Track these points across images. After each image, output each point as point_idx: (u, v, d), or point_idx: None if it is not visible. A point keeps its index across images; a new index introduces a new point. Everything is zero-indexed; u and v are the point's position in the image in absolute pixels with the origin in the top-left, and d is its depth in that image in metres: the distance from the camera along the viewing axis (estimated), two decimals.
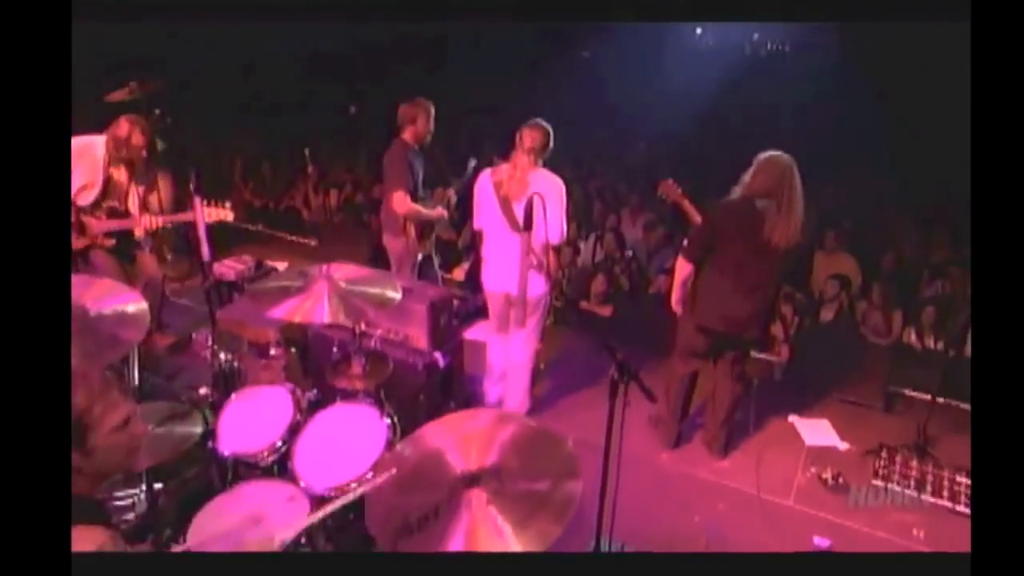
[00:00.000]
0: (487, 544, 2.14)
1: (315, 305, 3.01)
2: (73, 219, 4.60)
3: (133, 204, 4.80)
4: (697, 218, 4.48)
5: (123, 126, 4.63)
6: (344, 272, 3.18)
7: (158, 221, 4.81)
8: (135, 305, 3.03)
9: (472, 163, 5.36)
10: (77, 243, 4.66)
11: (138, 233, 4.89)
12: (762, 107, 8.97)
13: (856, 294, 6.15)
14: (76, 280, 3.06)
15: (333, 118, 9.96)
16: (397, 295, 3.18)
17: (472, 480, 2.25)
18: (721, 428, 4.49)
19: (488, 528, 2.16)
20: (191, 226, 4.09)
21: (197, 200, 3.35)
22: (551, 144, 4.18)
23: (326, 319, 2.97)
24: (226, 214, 4.71)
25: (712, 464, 4.48)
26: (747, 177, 3.96)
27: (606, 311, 5.92)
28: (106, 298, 2.99)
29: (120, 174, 4.73)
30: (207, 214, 4.45)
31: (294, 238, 7.36)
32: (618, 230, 6.53)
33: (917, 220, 7.32)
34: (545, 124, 4.18)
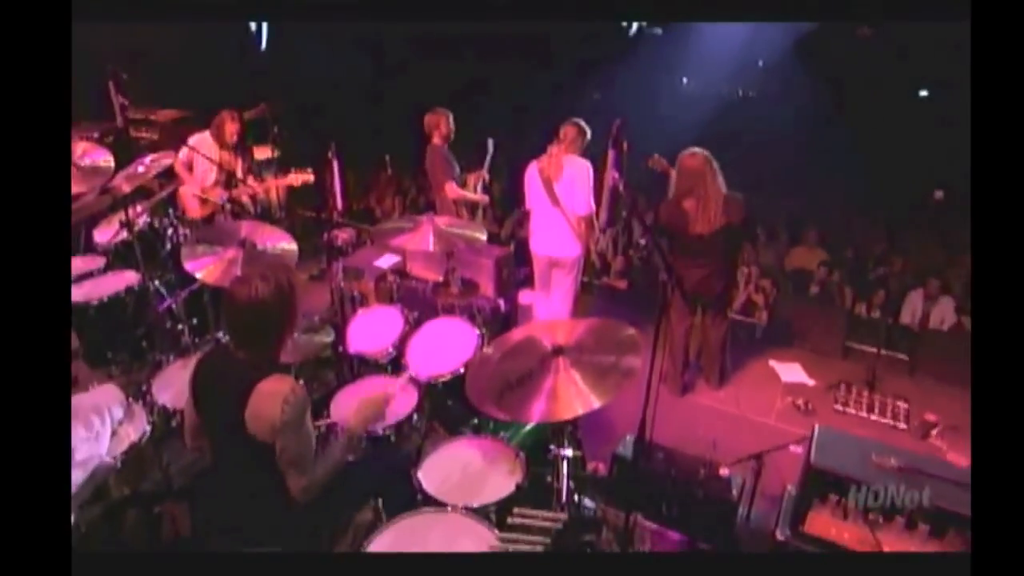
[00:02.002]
0: (567, 395, 2.29)
1: (422, 238, 3.26)
2: (199, 194, 4.91)
3: (242, 175, 5.01)
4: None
5: (221, 117, 4.89)
6: (443, 219, 3.43)
7: (260, 187, 5.06)
8: (287, 244, 3.28)
9: (491, 142, 5.43)
10: (203, 211, 4.95)
11: (245, 199, 5.09)
12: (741, 134, 9.17)
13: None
14: (247, 223, 3.34)
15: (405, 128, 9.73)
16: (483, 236, 3.41)
17: (558, 351, 2.43)
18: (715, 365, 4.66)
19: (568, 385, 2.32)
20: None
21: (335, 163, 3.60)
22: (587, 138, 4.39)
23: (430, 248, 3.21)
24: (308, 177, 4.86)
25: (711, 394, 4.68)
26: (673, 176, 4.06)
27: (622, 284, 6.13)
28: (268, 237, 3.25)
29: (228, 156, 4.96)
30: (295, 179, 4.75)
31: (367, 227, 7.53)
32: (631, 222, 6.73)
33: (868, 221, 7.56)
34: (581, 122, 4.38)
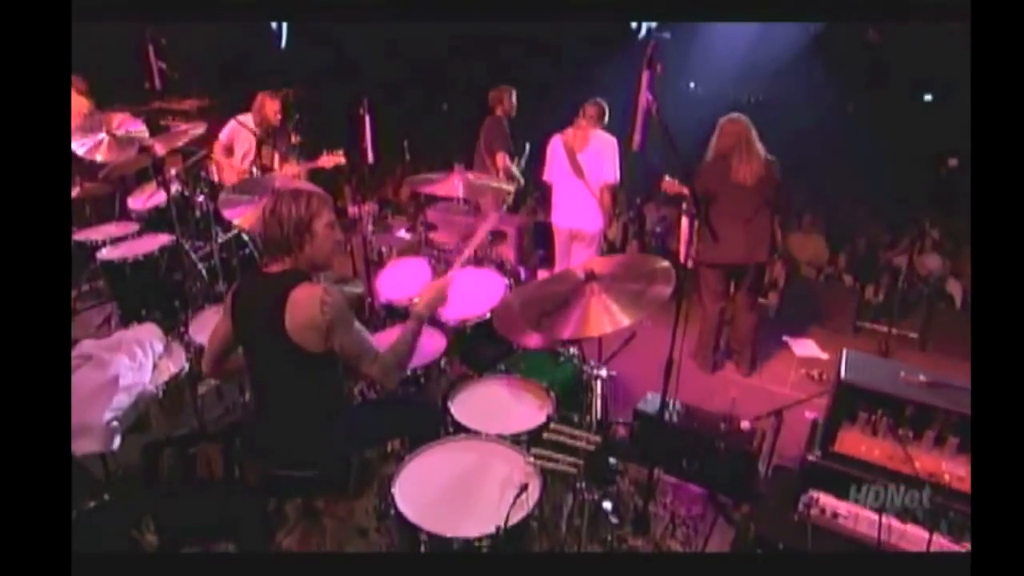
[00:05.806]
0: (598, 316, 2.30)
1: (452, 186, 3.34)
2: (236, 177, 4.80)
3: (275, 161, 4.91)
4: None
5: (260, 100, 4.78)
6: (471, 173, 3.50)
7: (295, 170, 4.87)
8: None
9: (528, 145, 5.60)
10: None
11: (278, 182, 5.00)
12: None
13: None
14: (280, 176, 3.43)
15: (424, 114, 9.76)
16: (510, 188, 3.48)
17: (591, 277, 2.44)
18: (746, 349, 4.54)
19: (600, 308, 2.33)
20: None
21: (367, 118, 3.67)
22: (607, 116, 4.46)
23: (460, 194, 3.30)
24: (340, 159, 4.72)
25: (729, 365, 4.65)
26: (714, 139, 3.99)
27: None
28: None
29: (265, 138, 4.86)
30: (327, 160, 4.68)
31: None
32: (642, 211, 6.82)
33: (870, 210, 7.62)
34: (602, 101, 4.46)
